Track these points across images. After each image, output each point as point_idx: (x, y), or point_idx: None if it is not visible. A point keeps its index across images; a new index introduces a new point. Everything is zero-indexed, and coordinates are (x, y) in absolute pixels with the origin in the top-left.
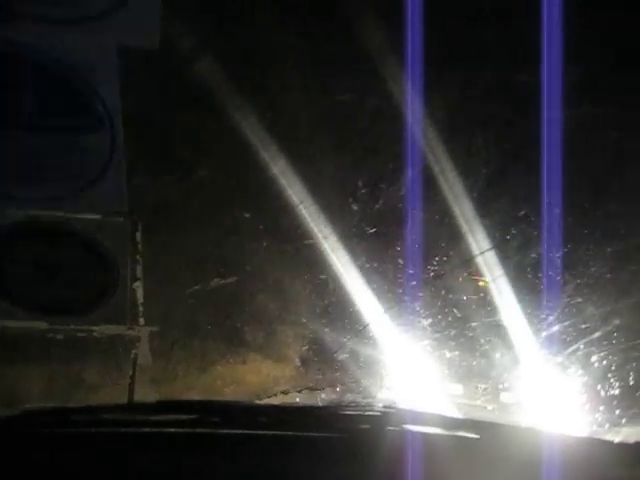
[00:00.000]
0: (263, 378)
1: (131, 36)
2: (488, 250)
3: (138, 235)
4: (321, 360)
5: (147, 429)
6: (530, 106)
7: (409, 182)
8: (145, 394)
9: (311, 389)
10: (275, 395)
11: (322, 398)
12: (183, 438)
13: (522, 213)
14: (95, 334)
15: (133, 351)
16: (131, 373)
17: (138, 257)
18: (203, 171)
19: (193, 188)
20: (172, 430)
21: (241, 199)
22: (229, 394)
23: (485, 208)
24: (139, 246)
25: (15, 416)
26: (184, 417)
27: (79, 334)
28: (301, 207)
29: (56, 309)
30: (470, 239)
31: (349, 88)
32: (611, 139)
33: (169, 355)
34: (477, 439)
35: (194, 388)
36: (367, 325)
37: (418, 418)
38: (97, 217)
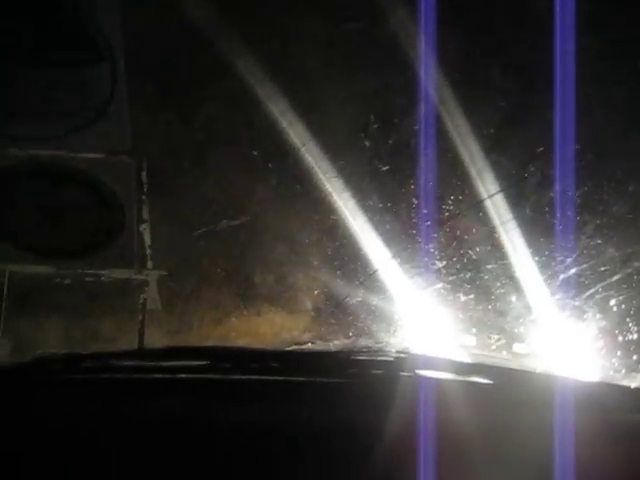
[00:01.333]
0: (277, 329)
1: None
2: (504, 189)
3: (143, 175)
4: (334, 308)
5: (158, 375)
6: (547, 35)
7: (422, 116)
8: (159, 344)
9: (325, 340)
10: (290, 346)
11: (335, 344)
12: (193, 384)
13: (540, 150)
14: (103, 278)
15: (142, 296)
16: (141, 318)
17: (144, 198)
18: (209, 107)
19: (198, 125)
20: (183, 376)
21: (248, 137)
22: (243, 345)
23: (501, 144)
24: (145, 187)
25: (27, 363)
26: (194, 363)
27: (86, 279)
28: (310, 144)
29: (62, 252)
30: (486, 177)
31: (358, 16)
32: (635, 69)
33: (183, 306)
34: (491, 384)
35: (208, 339)
36: (380, 268)
37: (431, 363)
38: (100, 156)
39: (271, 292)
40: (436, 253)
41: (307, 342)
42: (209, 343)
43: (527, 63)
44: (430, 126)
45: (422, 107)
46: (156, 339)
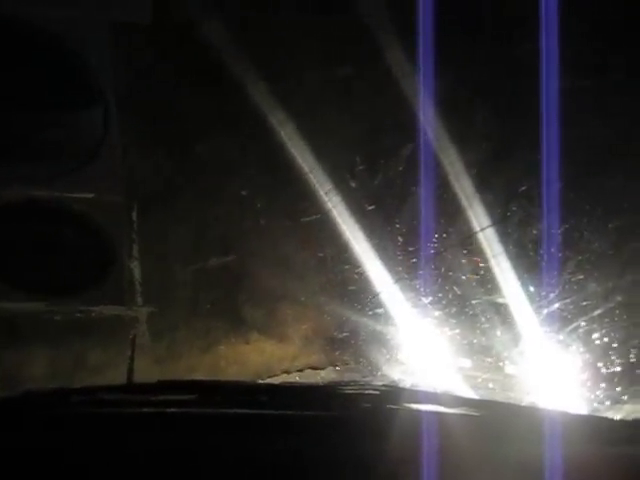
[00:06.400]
0: (266, 358)
1: (123, 11)
2: (488, 227)
3: (134, 214)
4: (323, 338)
5: (147, 409)
6: (530, 78)
7: (408, 158)
8: (149, 374)
9: (313, 368)
10: (277, 375)
11: (323, 377)
12: (183, 418)
13: (522, 189)
14: (93, 315)
15: (132, 332)
16: (130, 353)
17: (134, 236)
18: (200, 147)
19: (190, 164)
20: (172, 410)
21: (238, 176)
22: (232, 374)
23: (485, 184)
24: (135, 225)
25: (15, 397)
26: (184, 397)
27: (77, 315)
28: (299, 183)
29: (53, 290)
30: (470, 216)
31: (349, 60)
32: (614, 112)
33: (172, 335)
34: (477, 417)
35: (198, 368)
36: (368, 302)
37: (418, 396)
38: (92, 196)
39: (260, 322)
40: (421, 289)
41: (296, 370)
42: (198, 372)
43: (510, 105)
44: (414, 167)
45: (407, 149)
46: (144, 368)
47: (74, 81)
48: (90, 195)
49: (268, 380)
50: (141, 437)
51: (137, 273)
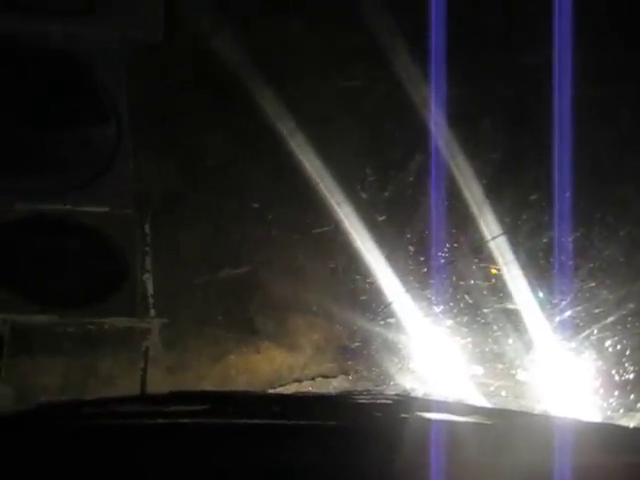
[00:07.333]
0: (277, 367)
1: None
2: (499, 236)
3: (146, 227)
4: (334, 348)
5: (160, 420)
6: (540, 88)
7: (418, 169)
8: (160, 383)
9: (324, 377)
10: (289, 384)
11: (335, 387)
12: (196, 429)
13: (533, 197)
14: (106, 327)
15: (144, 343)
16: (143, 365)
17: (147, 249)
18: (210, 160)
19: (201, 178)
20: (185, 421)
21: (249, 188)
22: (243, 383)
23: (495, 193)
24: (148, 238)
25: (29, 410)
26: (196, 407)
27: (90, 327)
28: (309, 195)
29: (66, 303)
30: (481, 225)
31: (358, 74)
32: (625, 120)
33: (184, 345)
34: (490, 425)
35: (208, 377)
36: (380, 311)
37: (430, 405)
38: (104, 210)
39: (271, 331)
40: (433, 299)
41: (307, 379)
42: (208, 381)
43: (517, 118)
44: (424, 178)
45: (417, 160)
46: (155, 377)
47: (87, 97)
48: (102, 209)
49: (280, 389)
50: (154, 448)
51: (149, 286)
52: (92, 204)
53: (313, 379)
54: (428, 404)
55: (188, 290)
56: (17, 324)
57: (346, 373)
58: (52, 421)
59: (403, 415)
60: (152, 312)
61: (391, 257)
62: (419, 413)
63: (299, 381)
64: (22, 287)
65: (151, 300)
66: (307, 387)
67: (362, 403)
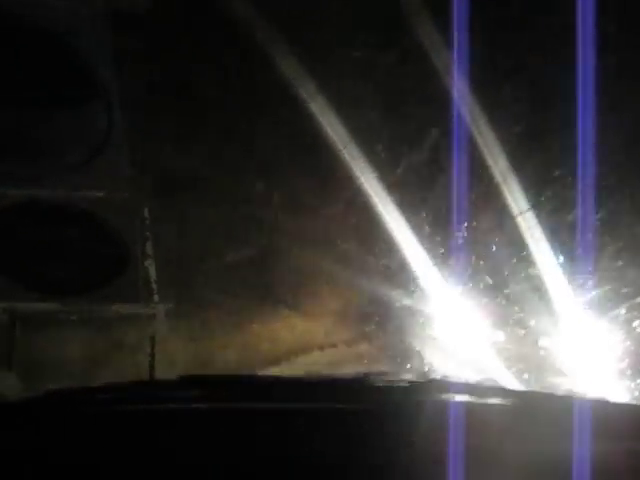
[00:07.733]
0: (298, 335)
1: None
2: (523, 212)
3: (146, 211)
4: (355, 315)
5: (171, 405)
6: (564, 56)
7: (436, 143)
8: (184, 353)
9: (348, 345)
10: (311, 350)
11: (357, 353)
12: (207, 413)
13: (557, 173)
14: (110, 314)
15: (149, 329)
16: (149, 351)
17: (147, 234)
18: (210, 139)
19: (199, 158)
20: (196, 406)
21: (251, 168)
22: (264, 351)
23: (518, 169)
24: (147, 222)
25: (38, 397)
26: (207, 392)
27: (92, 314)
28: (318, 174)
29: (67, 290)
30: (502, 203)
31: (370, 42)
32: None
33: (204, 314)
34: (510, 407)
35: (230, 346)
36: (401, 280)
37: (448, 387)
38: (101, 194)
39: (292, 298)
40: (452, 278)
41: (329, 347)
42: (230, 350)
43: (540, 89)
44: (443, 153)
45: (435, 133)
46: (177, 347)
47: (74, 75)
48: (99, 193)
49: (301, 356)
50: (165, 434)
51: (152, 271)
52: (88, 188)
53: (335, 346)
54: (446, 386)
55: (192, 274)
56: (21, 313)
57: (368, 340)
58: (61, 408)
59: (422, 398)
60: (156, 297)
61: (414, 225)
62: (437, 395)
63: (321, 348)
64: (22, 275)
65: (154, 286)
66: (329, 355)
67: (379, 386)
